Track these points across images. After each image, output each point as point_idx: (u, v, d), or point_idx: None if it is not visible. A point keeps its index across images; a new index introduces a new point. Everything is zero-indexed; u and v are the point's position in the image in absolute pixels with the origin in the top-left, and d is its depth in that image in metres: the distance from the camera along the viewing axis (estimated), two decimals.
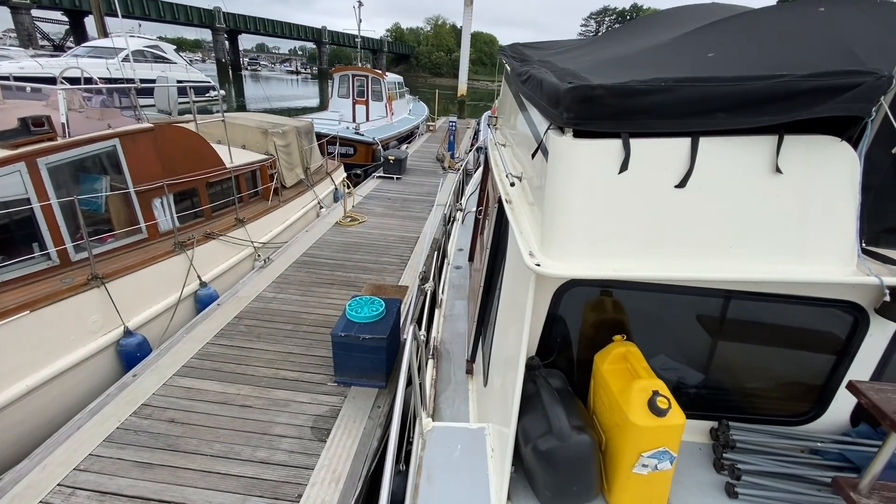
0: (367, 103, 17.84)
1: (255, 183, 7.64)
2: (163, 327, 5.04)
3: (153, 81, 7.44)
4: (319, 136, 11.04)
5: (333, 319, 5.32)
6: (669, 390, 1.90)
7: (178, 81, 9.08)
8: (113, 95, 5.88)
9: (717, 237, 1.81)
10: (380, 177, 12.22)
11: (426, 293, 4.36)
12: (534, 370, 2.25)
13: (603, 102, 1.68)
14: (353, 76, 17.61)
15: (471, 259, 5.70)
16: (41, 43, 38.73)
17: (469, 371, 3.65)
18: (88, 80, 6.14)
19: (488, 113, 22.75)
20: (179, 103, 7.33)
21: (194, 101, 7.03)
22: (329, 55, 77.17)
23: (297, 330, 5.20)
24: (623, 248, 1.83)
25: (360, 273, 6.71)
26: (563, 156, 1.84)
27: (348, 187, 10.06)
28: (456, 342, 4.15)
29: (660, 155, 1.75)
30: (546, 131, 2.00)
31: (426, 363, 3.81)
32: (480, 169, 9.21)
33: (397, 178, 12.13)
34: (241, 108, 34.44)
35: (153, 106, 7.08)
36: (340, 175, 11.12)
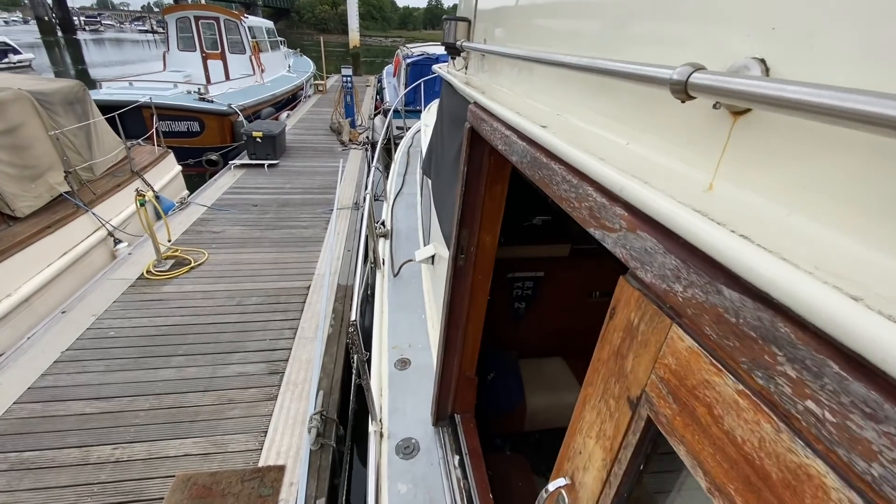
0: (223, 57, 12.79)
1: None
2: None
3: None
4: (120, 105, 6.46)
5: None
6: None
7: None
8: None
9: None
10: (243, 165, 7.85)
11: None
12: None
13: None
14: (197, 18, 12.37)
15: (438, 422, 2.08)
16: None
17: None
18: None
19: (390, 67, 18.49)
20: None
21: None
22: None
23: None
24: None
25: (166, 436, 2.79)
26: None
27: (150, 197, 5.83)
28: None
29: None
30: None
31: None
32: (404, 149, 5.45)
33: (271, 166, 7.85)
34: (82, 76, 26.42)
35: None
36: (170, 170, 6.68)
